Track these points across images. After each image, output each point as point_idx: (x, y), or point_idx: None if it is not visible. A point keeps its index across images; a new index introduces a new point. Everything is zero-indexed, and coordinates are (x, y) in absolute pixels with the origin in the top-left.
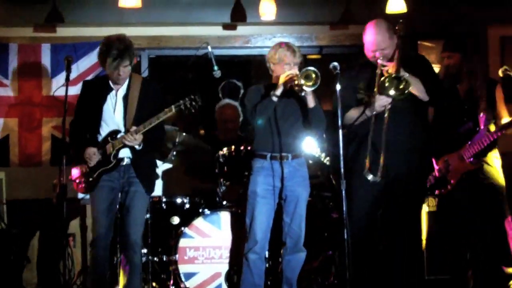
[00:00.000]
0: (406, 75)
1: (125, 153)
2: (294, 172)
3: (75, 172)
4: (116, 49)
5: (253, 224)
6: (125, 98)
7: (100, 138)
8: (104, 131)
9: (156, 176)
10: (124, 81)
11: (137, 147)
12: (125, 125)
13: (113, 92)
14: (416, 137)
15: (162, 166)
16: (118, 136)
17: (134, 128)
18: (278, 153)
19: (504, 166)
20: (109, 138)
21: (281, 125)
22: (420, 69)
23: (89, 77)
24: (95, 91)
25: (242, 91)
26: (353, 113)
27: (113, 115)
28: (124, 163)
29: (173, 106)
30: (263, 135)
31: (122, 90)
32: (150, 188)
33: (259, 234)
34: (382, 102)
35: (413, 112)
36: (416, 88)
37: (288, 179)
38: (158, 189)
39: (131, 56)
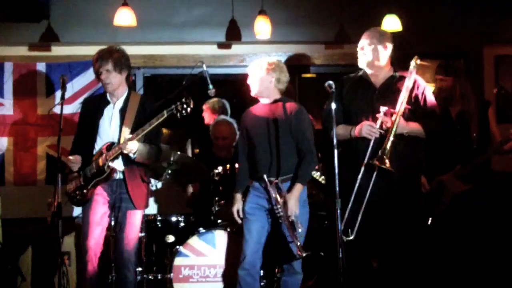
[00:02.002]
0: (405, 131)
1: (118, 166)
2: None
3: (70, 186)
4: (99, 53)
5: (243, 241)
6: (122, 111)
7: (94, 152)
8: (98, 145)
9: (150, 194)
10: (112, 89)
11: (131, 155)
12: (119, 137)
13: (110, 105)
14: (406, 160)
15: (157, 185)
16: (112, 147)
17: (128, 136)
18: (272, 178)
19: (500, 185)
20: (104, 150)
21: (272, 147)
22: (418, 102)
23: (84, 96)
24: (93, 107)
25: (229, 110)
26: (339, 130)
27: (109, 128)
28: (117, 177)
29: (165, 111)
30: (253, 156)
31: (119, 103)
32: (140, 204)
33: (246, 250)
34: (369, 131)
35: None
36: (417, 134)
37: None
38: (153, 208)
39: (114, 61)
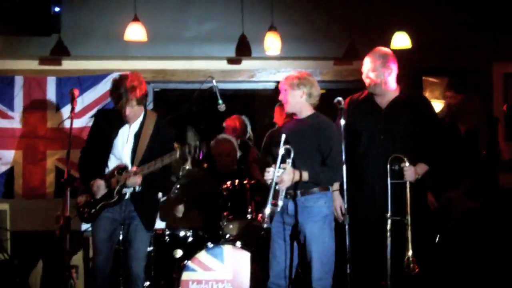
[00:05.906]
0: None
1: (128, 189)
2: (302, 209)
3: (81, 199)
4: (122, 88)
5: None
6: (137, 135)
7: (107, 171)
8: (112, 163)
9: (158, 211)
10: (133, 120)
11: (136, 188)
12: (132, 162)
13: (126, 126)
14: None
15: (165, 199)
16: (124, 172)
17: (136, 169)
18: (291, 190)
19: (508, 202)
20: (115, 172)
21: (297, 162)
22: (424, 123)
23: (94, 110)
24: (109, 123)
25: (249, 128)
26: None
27: (122, 150)
28: (126, 197)
29: (178, 152)
30: None
31: (135, 126)
32: (149, 225)
33: (270, 272)
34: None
35: (403, 151)
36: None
37: (295, 216)
38: (161, 222)
39: (137, 95)
